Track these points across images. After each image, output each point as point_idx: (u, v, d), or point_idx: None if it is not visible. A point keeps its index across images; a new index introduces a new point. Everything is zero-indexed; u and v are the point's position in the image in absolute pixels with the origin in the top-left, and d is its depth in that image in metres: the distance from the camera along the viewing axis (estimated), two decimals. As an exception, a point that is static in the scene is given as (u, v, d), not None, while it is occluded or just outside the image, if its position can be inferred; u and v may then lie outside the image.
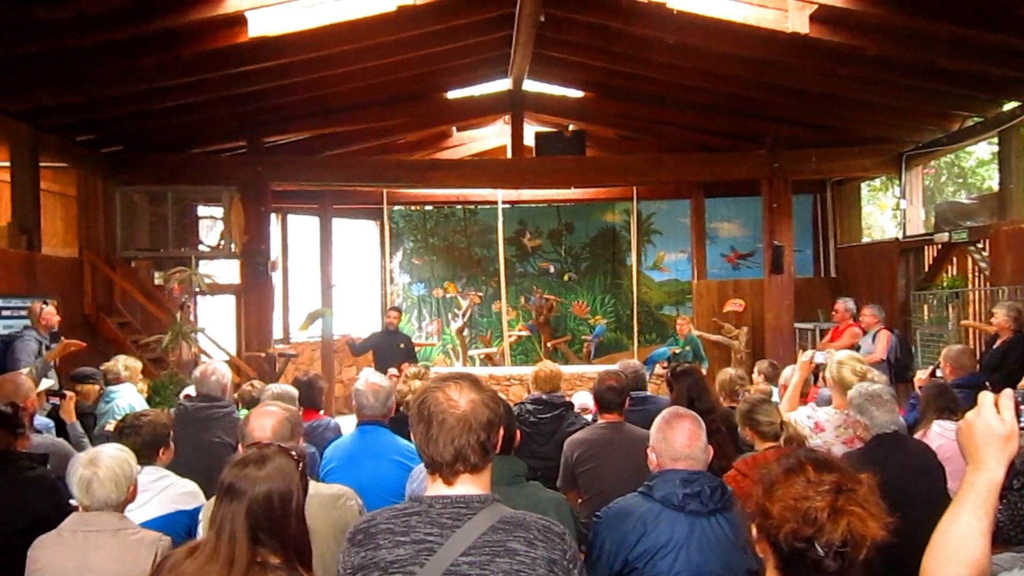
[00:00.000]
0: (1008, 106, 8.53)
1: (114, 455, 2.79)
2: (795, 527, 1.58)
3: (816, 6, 6.87)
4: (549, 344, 13.56)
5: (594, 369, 8.49)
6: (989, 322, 7.43)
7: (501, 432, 1.94)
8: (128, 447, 3.17)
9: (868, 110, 9.64)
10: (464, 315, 13.80)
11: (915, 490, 3.44)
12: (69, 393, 5.43)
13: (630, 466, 3.54)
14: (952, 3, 6.54)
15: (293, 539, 2.00)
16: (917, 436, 4.25)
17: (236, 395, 5.51)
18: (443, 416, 1.84)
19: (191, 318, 9.94)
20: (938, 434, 4.04)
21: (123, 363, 6.18)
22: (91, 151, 9.41)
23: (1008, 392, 1.63)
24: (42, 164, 8.58)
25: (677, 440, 2.80)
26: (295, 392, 4.81)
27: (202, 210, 11.26)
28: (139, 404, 5.79)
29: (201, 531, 2.84)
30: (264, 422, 2.91)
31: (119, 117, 8.70)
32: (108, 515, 2.71)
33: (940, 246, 9.89)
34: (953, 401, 4.39)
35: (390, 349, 9.36)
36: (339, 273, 13.28)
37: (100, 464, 2.73)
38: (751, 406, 3.87)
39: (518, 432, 3.20)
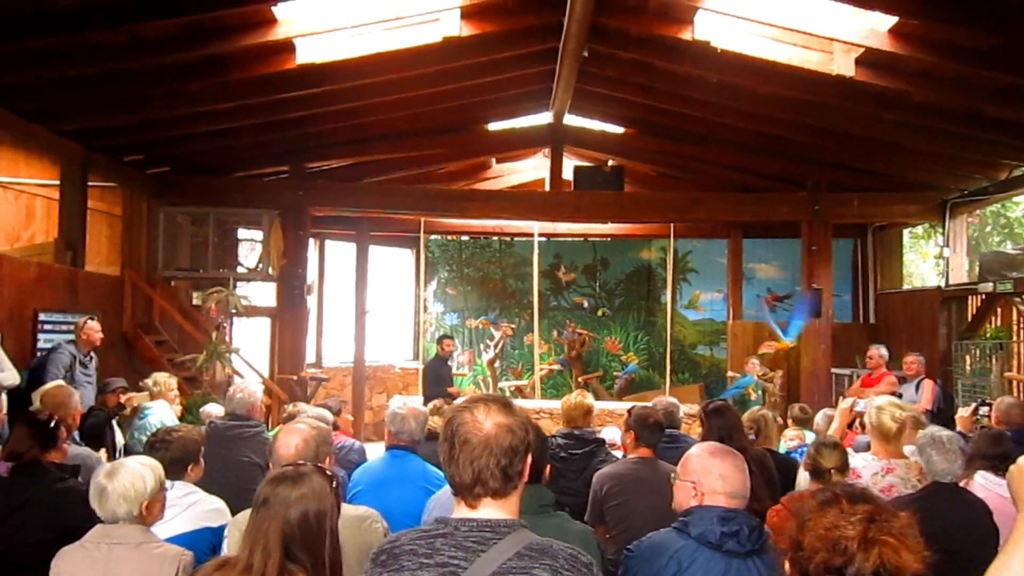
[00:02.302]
0: (1057, 156, 8.39)
1: (133, 469, 2.79)
2: (826, 557, 1.55)
3: (863, 50, 6.84)
4: (580, 379, 13.46)
5: (624, 406, 8.39)
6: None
7: (529, 459, 1.89)
8: (167, 462, 3.19)
9: (913, 156, 9.53)
10: (496, 347, 13.77)
11: (963, 547, 3.33)
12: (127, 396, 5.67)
13: (661, 503, 3.45)
14: (1002, 51, 6.45)
15: (326, 557, 1.99)
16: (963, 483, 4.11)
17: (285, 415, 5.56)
18: (466, 437, 1.82)
19: (226, 339, 10.03)
20: (981, 486, 3.88)
21: (154, 379, 6.30)
22: (138, 171, 9.61)
23: None
24: (90, 183, 8.78)
25: (726, 475, 2.68)
26: (329, 415, 4.82)
27: (242, 233, 11.43)
28: (171, 421, 5.86)
29: (226, 548, 2.82)
30: (289, 440, 2.90)
31: (166, 139, 8.89)
32: (131, 528, 2.71)
33: (984, 296, 9.70)
34: (1006, 452, 4.07)
35: (445, 377, 9.49)
36: (373, 300, 13.35)
37: (115, 477, 2.74)
38: (819, 445, 3.87)
39: (549, 464, 3.15)
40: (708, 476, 2.71)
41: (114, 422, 6.05)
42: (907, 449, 4.41)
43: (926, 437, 3.61)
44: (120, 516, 2.71)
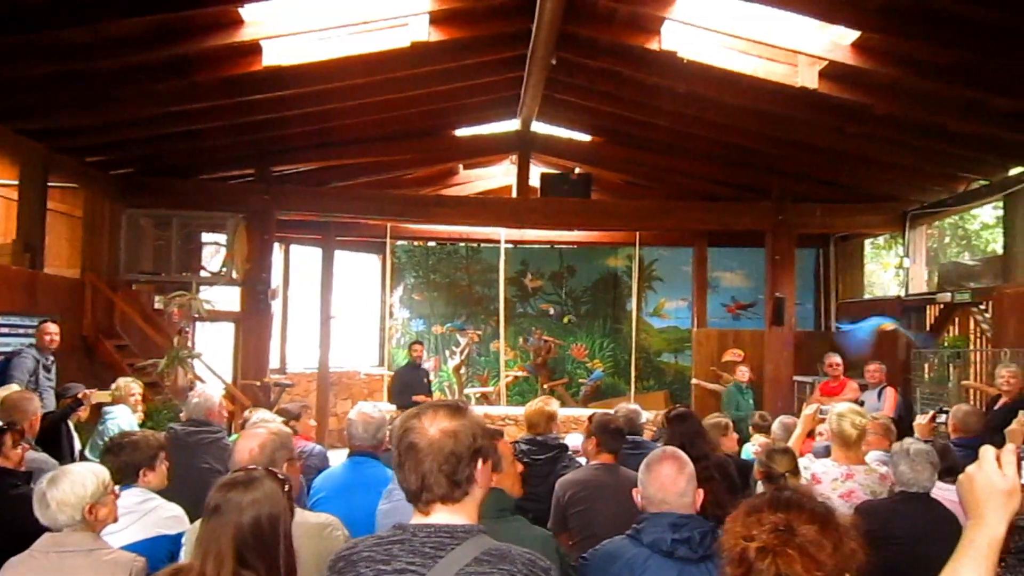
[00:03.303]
0: (1014, 170, 8.57)
1: (74, 475, 2.73)
2: (731, 569, 1.58)
3: (826, 63, 6.95)
4: (546, 386, 13.46)
5: (589, 413, 8.43)
6: (991, 383, 7.40)
7: (480, 465, 1.87)
8: (114, 466, 3.13)
9: (875, 168, 9.70)
10: (462, 353, 13.74)
11: (929, 554, 3.39)
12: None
13: (623, 509, 3.47)
14: (962, 67, 6.59)
15: (281, 562, 1.96)
16: None
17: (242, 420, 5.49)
18: (412, 443, 1.81)
19: (189, 344, 9.89)
20: (942, 496, 3.96)
21: (117, 383, 6.21)
22: (101, 172, 9.46)
23: (1010, 447, 1.59)
24: (51, 184, 8.62)
25: (654, 483, 2.75)
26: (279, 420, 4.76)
27: (206, 236, 11.28)
28: (133, 426, 5.77)
29: (183, 556, 2.78)
30: (245, 445, 2.87)
31: (131, 140, 8.77)
32: (80, 535, 2.65)
33: (943, 306, 9.88)
34: (955, 463, 4.19)
35: (415, 382, 9.44)
36: (339, 305, 13.25)
37: (57, 483, 2.68)
38: (771, 452, 3.97)
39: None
40: (645, 486, 2.78)
41: (72, 427, 5.94)
42: (873, 455, 4.48)
43: (900, 447, 3.68)
44: (62, 523, 2.65)
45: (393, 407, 10.78)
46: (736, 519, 1.66)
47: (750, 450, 6.36)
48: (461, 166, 12.70)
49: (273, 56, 7.07)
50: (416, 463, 1.80)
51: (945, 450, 4.35)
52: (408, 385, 9.65)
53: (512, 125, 10.66)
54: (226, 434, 4.69)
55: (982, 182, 9.17)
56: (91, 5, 5.85)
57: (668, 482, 2.74)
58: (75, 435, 5.94)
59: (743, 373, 10.20)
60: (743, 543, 1.56)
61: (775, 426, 6.23)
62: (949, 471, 4.16)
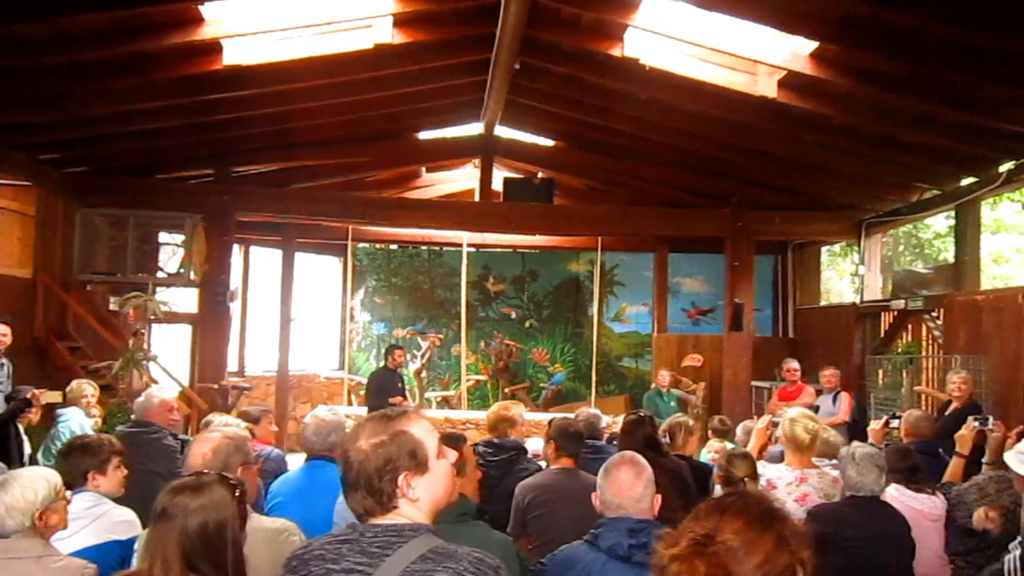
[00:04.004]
0: (966, 181, 8.77)
1: (23, 481, 2.68)
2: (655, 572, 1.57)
3: (785, 72, 7.06)
4: (507, 390, 13.48)
5: (550, 417, 8.45)
6: (942, 389, 7.57)
7: (408, 475, 1.87)
8: (68, 470, 3.06)
9: (832, 176, 9.87)
10: (423, 357, 13.69)
11: (879, 556, 3.47)
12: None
13: (582, 513, 3.49)
14: (918, 80, 6.73)
15: (229, 568, 1.94)
16: None
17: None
18: (346, 457, 1.85)
19: (144, 346, 9.72)
20: (894, 498, 4.03)
21: (71, 385, 6.09)
22: (55, 170, 9.26)
23: None
24: (3, 182, 8.43)
25: (611, 488, 2.77)
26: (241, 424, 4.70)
27: (164, 237, 11.10)
28: (87, 428, 5.65)
29: (135, 562, 2.73)
30: (198, 449, 2.83)
31: (86, 138, 8.60)
32: (29, 542, 2.60)
33: (896, 313, 10.07)
34: (916, 466, 4.27)
35: (391, 387, 9.40)
36: (299, 308, 13.12)
37: (5, 489, 2.63)
38: (731, 456, 4.04)
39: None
40: (603, 491, 2.81)
41: (22, 430, 5.80)
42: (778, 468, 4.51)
43: (848, 452, 3.75)
44: (10, 529, 2.59)
45: (352, 410, 10.73)
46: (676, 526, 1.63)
47: (707, 455, 6.44)
48: (424, 169, 12.66)
49: (234, 55, 6.98)
50: (350, 474, 1.84)
51: (907, 452, 4.41)
52: (384, 388, 9.58)
53: (475, 129, 10.66)
54: (168, 435, 4.58)
55: (935, 192, 9.38)
56: (43, 2, 5.71)
57: (625, 487, 2.76)
58: (25, 438, 5.79)
59: (663, 378, 10.51)
60: (665, 552, 1.52)
61: (738, 430, 6.30)
62: (911, 471, 4.24)
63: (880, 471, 3.70)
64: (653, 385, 10.72)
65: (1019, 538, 2.84)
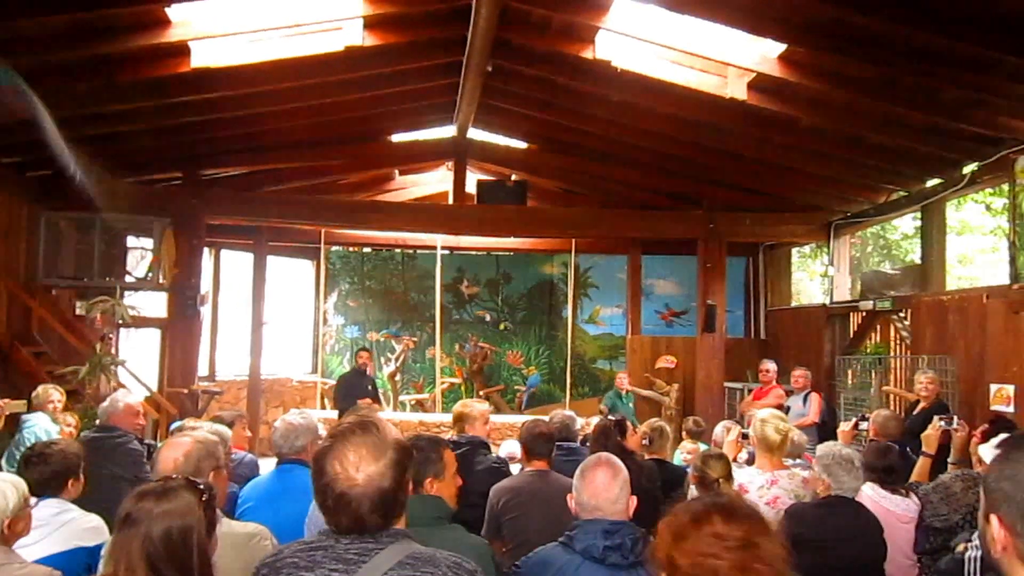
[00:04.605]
0: (931, 182, 8.91)
1: None
2: None
3: (754, 74, 7.12)
4: (482, 393, 13.45)
5: (524, 419, 8.49)
6: (910, 389, 7.66)
7: (407, 486, 1.86)
8: (35, 477, 3.01)
9: (800, 178, 9.97)
10: (397, 360, 13.64)
11: (852, 556, 3.50)
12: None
13: (556, 515, 3.48)
14: (883, 83, 6.84)
15: (196, 573, 1.91)
16: None
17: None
18: (340, 492, 1.75)
19: (112, 350, 9.58)
20: (869, 497, 4.04)
21: (36, 390, 5.98)
22: (16, 174, 9.10)
23: None
24: (-36, 185, 8.28)
25: (587, 489, 2.77)
26: (227, 430, 4.63)
27: (132, 241, 10.96)
28: (53, 433, 5.55)
29: (102, 567, 2.69)
30: (169, 454, 2.79)
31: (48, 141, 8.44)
32: None
33: (865, 313, 10.19)
34: (892, 467, 4.24)
35: (359, 390, 9.33)
36: (271, 311, 13.02)
37: None
38: (706, 456, 4.03)
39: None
40: (578, 493, 2.81)
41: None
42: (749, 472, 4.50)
43: (832, 457, 3.72)
44: None
45: (325, 414, 10.67)
46: (685, 528, 1.58)
47: (680, 456, 6.47)
48: (397, 172, 12.62)
49: (202, 58, 6.91)
50: (349, 510, 1.76)
51: (886, 450, 4.37)
52: (351, 391, 9.55)
53: (448, 131, 10.64)
54: (133, 439, 4.52)
55: (902, 193, 9.50)
56: (3, 3, 5.60)
57: (602, 488, 2.76)
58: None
59: (622, 380, 10.89)
60: (711, 562, 1.49)
61: (717, 430, 6.29)
62: (887, 471, 4.23)
63: (860, 472, 3.74)
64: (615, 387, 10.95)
65: (975, 539, 2.87)
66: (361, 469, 1.76)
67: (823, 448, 3.85)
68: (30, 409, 5.91)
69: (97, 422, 4.88)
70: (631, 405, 10.73)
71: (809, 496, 3.91)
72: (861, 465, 3.84)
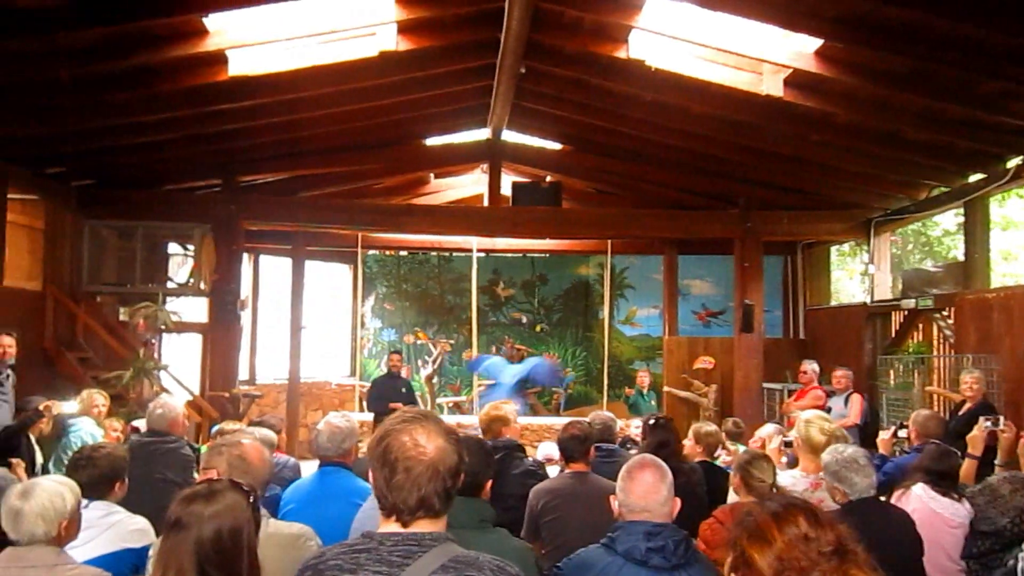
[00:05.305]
0: (973, 177, 8.73)
1: (49, 488, 2.68)
2: None
3: (790, 70, 7.04)
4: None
5: (563, 421, 8.49)
6: (954, 389, 7.51)
7: (461, 477, 1.88)
8: (83, 480, 3.07)
9: (838, 175, 9.83)
10: (434, 362, 13.70)
11: (891, 560, 3.41)
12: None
13: (594, 517, 3.47)
14: (920, 76, 6.72)
15: (244, 574, 1.93)
16: (896, 494, 4.17)
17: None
18: (409, 463, 1.78)
19: (155, 355, 9.75)
20: (918, 497, 3.95)
21: (81, 395, 6.10)
22: (61, 184, 9.31)
23: None
24: (10, 196, 8.47)
25: (635, 491, 2.73)
26: (273, 435, 4.70)
27: (172, 247, 11.15)
28: (98, 437, 5.66)
29: (150, 569, 2.74)
30: (215, 458, 2.83)
31: (91, 151, 8.63)
32: (44, 550, 2.59)
33: (906, 312, 10.01)
34: (947, 472, 4.12)
35: (392, 392, 9.39)
36: (309, 315, 13.15)
37: (31, 497, 2.62)
38: (751, 458, 3.91)
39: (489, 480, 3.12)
40: (622, 494, 2.77)
41: (33, 440, 5.81)
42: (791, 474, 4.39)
43: (838, 461, 3.60)
44: (38, 537, 2.59)
45: (364, 416, 10.74)
46: (766, 527, 1.49)
47: (721, 460, 6.40)
48: (432, 175, 12.67)
49: (239, 66, 7.01)
50: (419, 484, 1.78)
51: (945, 455, 4.24)
52: (384, 394, 9.61)
53: (482, 134, 10.66)
54: (185, 444, 4.61)
55: (942, 189, 9.33)
56: (44, 15, 5.72)
57: (650, 490, 2.73)
58: (36, 448, 5.81)
59: (643, 378, 11.12)
60: (809, 566, 1.41)
61: (760, 431, 6.22)
62: (941, 475, 4.09)
63: (870, 469, 3.62)
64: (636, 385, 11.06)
65: None
66: (431, 442, 1.81)
67: (826, 456, 3.70)
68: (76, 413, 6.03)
69: (143, 426, 4.98)
70: (652, 403, 10.70)
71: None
72: (916, 466, 3.72)
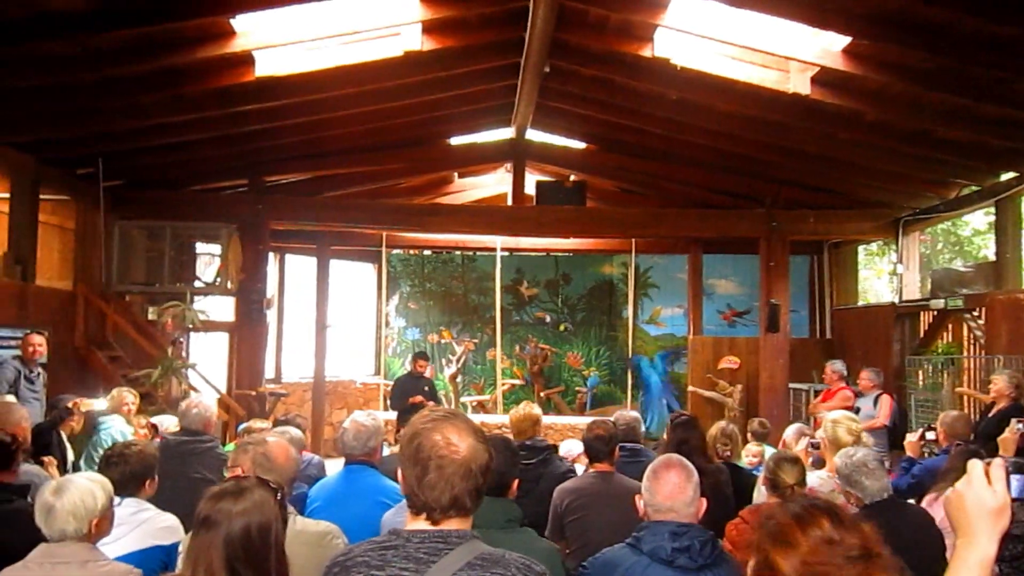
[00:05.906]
0: (1005, 176, 8.60)
1: (82, 487, 2.71)
2: None
3: (817, 68, 6.98)
4: (542, 394, 13.46)
5: (587, 420, 8.48)
6: (985, 390, 7.39)
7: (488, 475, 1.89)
8: (115, 477, 3.10)
9: (866, 174, 9.73)
10: (458, 361, 13.73)
11: (913, 560, 3.37)
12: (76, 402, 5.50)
13: (618, 517, 3.47)
14: (950, 74, 6.63)
15: (272, 572, 1.94)
16: (928, 499, 4.13)
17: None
18: (442, 462, 1.78)
19: (183, 354, 9.85)
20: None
21: (112, 393, 6.18)
22: (91, 185, 9.42)
23: (998, 462, 1.50)
24: (42, 197, 8.60)
25: (661, 491, 2.73)
26: (299, 432, 4.73)
27: (200, 247, 11.27)
28: (128, 435, 5.73)
29: (180, 565, 2.76)
30: (241, 456, 2.85)
31: (120, 152, 8.74)
32: (77, 546, 2.63)
33: (936, 312, 9.88)
34: None
35: (414, 391, 9.48)
36: (334, 314, 13.23)
37: (64, 494, 2.66)
38: (780, 459, 3.87)
39: (517, 479, 3.12)
40: (648, 494, 2.77)
41: (64, 437, 5.89)
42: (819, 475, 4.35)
43: (848, 465, 3.57)
44: (69, 534, 2.63)
45: (388, 415, 10.78)
46: (789, 530, 1.47)
47: (745, 458, 6.35)
48: (456, 174, 12.69)
49: (265, 66, 7.06)
50: (452, 482, 1.78)
51: (975, 455, 4.15)
52: (407, 393, 9.64)
53: (506, 133, 10.66)
54: (219, 444, 4.66)
55: (973, 188, 9.20)
56: (74, 18, 5.79)
57: (677, 490, 2.72)
58: (67, 445, 5.89)
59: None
60: (823, 570, 1.39)
61: (789, 433, 6.16)
62: None
63: (882, 472, 3.58)
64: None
65: None
66: (463, 440, 1.81)
67: (837, 460, 3.68)
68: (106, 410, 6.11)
69: (161, 420, 5.03)
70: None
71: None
72: (947, 468, 3.66)
